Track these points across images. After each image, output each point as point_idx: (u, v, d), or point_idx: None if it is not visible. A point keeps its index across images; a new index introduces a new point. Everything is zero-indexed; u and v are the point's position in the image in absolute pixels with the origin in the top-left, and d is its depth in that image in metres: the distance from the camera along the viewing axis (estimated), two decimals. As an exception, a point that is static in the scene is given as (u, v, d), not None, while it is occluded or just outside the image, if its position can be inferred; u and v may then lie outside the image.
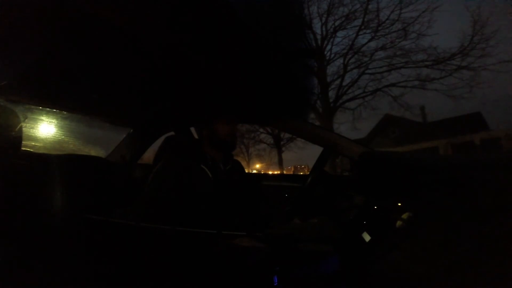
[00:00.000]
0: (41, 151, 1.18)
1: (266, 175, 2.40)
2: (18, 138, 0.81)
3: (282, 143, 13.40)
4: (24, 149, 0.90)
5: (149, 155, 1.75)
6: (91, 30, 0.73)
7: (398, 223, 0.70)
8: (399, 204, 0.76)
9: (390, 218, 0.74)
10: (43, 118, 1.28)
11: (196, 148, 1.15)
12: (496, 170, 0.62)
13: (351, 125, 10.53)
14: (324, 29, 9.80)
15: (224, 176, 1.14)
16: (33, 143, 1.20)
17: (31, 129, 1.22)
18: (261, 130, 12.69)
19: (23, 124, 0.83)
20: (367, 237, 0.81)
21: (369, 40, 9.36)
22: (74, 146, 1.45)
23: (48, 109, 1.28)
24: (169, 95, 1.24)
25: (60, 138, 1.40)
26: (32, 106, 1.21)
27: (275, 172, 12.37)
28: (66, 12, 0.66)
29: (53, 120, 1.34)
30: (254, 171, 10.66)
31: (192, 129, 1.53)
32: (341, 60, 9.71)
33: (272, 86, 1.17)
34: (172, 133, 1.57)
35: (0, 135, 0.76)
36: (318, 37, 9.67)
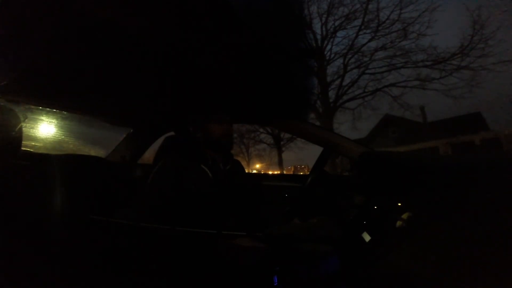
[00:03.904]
0: (41, 151, 1.18)
1: (266, 175, 2.40)
2: (18, 138, 0.81)
3: (282, 143, 13.42)
4: (24, 149, 0.90)
5: (149, 155, 1.75)
6: (92, 30, 0.73)
7: (398, 223, 0.70)
8: (399, 204, 0.76)
9: (390, 218, 0.74)
10: (43, 118, 1.28)
11: (196, 148, 1.15)
12: (496, 170, 0.62)
13: (351, 125, 10.59)
14: (324, 29, 9.85)
15: (224, 176, 1.14)
16: (33, 143, 1.20)
17: (31, 129, 1.22)
18: (261, 130, 12.73)
19: (23, 124, 0.82)
20: (367, 237, 0.81)
21: (369, 40, 9.41)
22: (74, 146, 1.45)
23: (48, 109, 1.28)
24: (169, 95, 1.24)
25: (60, 138, 1.40)
26: (32, 106, 1.21)
27: (275, 172, 12.37)
28: (66, 12, 0.66)
29: (53, 120, 1.34)
30: (254, 171, 10.67)
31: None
32: (341, 60, 9.77)
33: (272, 86, 1.17)
34: (172, 133, 1.57)
35: (0, 135, 0.76)
36: (318, 37, 9.71)
